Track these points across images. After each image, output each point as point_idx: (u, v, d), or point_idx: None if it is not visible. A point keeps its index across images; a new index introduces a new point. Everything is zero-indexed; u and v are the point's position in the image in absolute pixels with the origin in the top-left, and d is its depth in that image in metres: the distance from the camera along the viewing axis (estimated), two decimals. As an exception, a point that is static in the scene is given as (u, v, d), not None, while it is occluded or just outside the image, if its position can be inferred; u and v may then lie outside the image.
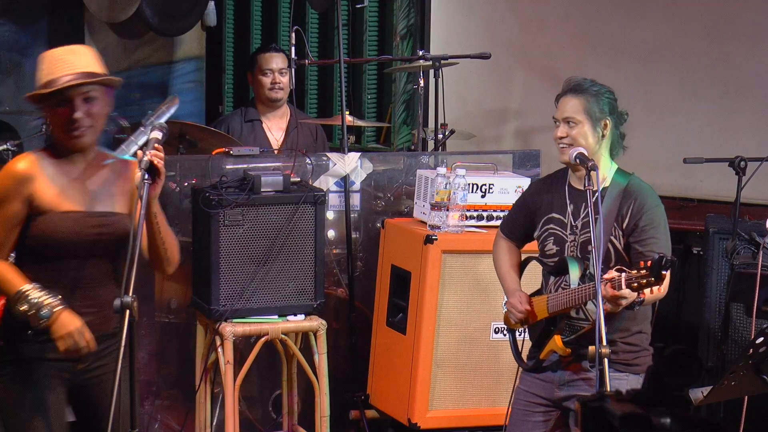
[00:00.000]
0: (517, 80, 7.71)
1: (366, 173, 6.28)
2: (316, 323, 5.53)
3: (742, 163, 5.78)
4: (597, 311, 4.14)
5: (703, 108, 6.93)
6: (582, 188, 4.44)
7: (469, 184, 5.70)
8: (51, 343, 4.01)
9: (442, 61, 6.87)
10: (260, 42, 8.87)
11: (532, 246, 4.79)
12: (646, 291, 4.11)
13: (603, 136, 4.48)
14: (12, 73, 8.32)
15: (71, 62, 4.02)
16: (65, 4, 8.26)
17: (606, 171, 4.51)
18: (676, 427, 2.53)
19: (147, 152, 3.95)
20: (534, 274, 4.82)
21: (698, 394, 4.61)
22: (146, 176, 3.90)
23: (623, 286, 4.11)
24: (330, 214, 6.14)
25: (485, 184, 5.75)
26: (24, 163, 4.07)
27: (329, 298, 5.91)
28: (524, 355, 4.81)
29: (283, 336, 5.50)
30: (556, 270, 4.53)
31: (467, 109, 7.70)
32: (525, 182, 5.83)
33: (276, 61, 6.95)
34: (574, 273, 4.39)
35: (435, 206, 5.67)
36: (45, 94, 4.00)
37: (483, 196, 5.74)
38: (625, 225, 4.41)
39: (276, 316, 5.51)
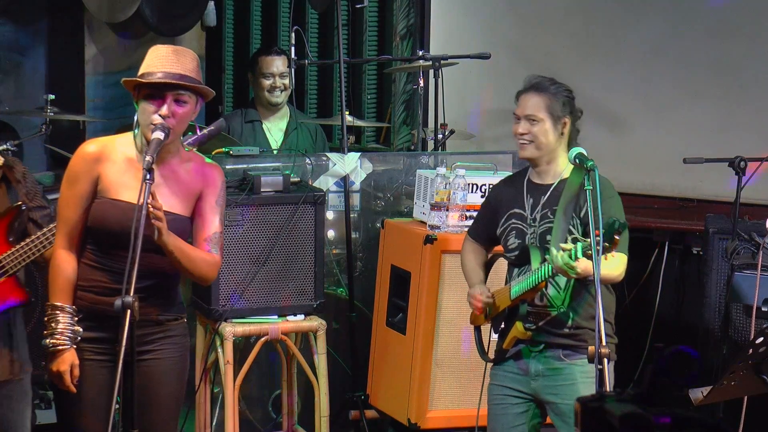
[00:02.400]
0: (517, 80, 7.70)
1: (366, 173, 6.28)
2: (316, 323, 5.53)
3: (742, 163, 5.78)
4: (597, 311, 4.15)
5: (703, 108, 6.93)
6: (540, 182, 4.60)
7: (468, 184, 5.70)
8: (85, 324, 4.17)
9: (442, 62, 6.87)
10: (260, 42, 8.86)
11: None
12: (603, 263, 4.16)
13: (562, 134, 4.57)
14: (12, 73, 8.32)
15: (174, 61, 4.12)
16: (65, 4, 8.26)
17: (564, 165, 4.59)
18: (676, 427, 2.54)
19: (148, 153, 3.98)
20: (501, 274, 4.87)
21: (698, 394, 4.61)
22: (147, 176, 3.92)
23: (579, 254, 4.19)
24: (330, 214, 6.14)
25: (485, 184, 5.75)
26: (95, 145, 4.21)
27: (329, 298, 5.91)
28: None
29: (282, 336, 5.50)
30: (518, 261, 4.60)
31: (467, 109, 7.70)
32: (525, 182, 5.84)
33: (277, 64, 6.95)
34: (536, 261, 4.46)
35: (435, 206, 5.67)
36: (139, 84, 4.11)
37: (483, 196, 5.74)
38: (582, 214, 4.47)
39: (276, 316, 5.51)
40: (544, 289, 4.50)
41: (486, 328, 4.87)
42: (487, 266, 4.86)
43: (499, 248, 4.81)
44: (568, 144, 4.60)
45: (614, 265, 4.34)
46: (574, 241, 4.27)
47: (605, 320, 4.55)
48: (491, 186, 4.95)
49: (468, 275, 4.84)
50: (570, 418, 4.53)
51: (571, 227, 4.49)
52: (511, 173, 6.05)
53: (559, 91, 4.59)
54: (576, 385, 4.51)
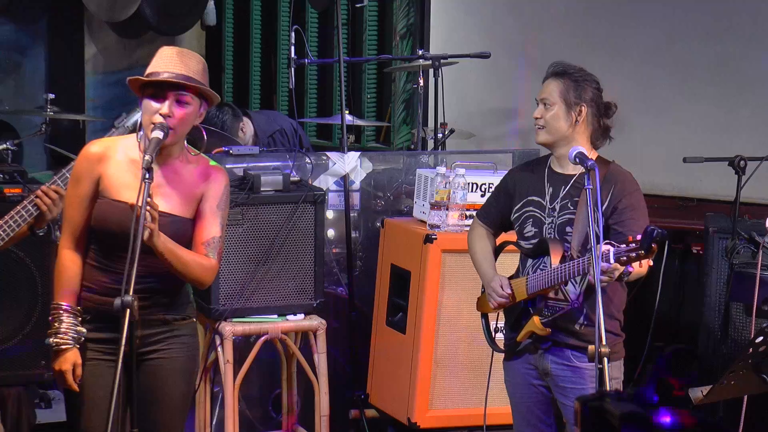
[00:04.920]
0: (517, 80, 7.71)
1: (366, 172, 6.28)
2: (316, 323, 5.53)
3: (742, 162, 5.77)
4: (597, 310, 4.13)
5: (702, 107, 6.93)
6: (561, 171, 4.52)
7: (468, 184, 5.70)
8: (93, 325, 4.18)
9: (442, 61, 6.87)
10: (260, 41, 8.87)
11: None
12: (635, 264, 4.12)
13: (576, 121, 4.48)
14: (12, 73, 8.33)
15: (177, 62, 4.12)
16: (65, 4, 8.26)
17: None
18: (676, 427, 2.54)
19: (147, 153, 3.98)
20: (506, 261, 4.84)
21: (698, 393, 4.61)
22: (147, 176, 3.92)
23: (611, 260, 4.13)
24: (330, 214, 6.15)
25: (485, 184, 5.75)
26: (98, 146, 4.22)
27: (329, 298, 5.91)
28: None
29: (282, 335, 5.50)
30: (534, 252, 4.52)
31: (467, 108, 7.70)
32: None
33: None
34: (555, 255, 4.39)
35: (434, 205, 5.67)
36: (144, 83, 4.12)
37: (483, 195, 5.74)
38: (604, 208, 4.42)
39: (276, 316, 5.51)
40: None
41: (491, 315, 4.83)
42: (495, 253, 4.77)
43: (506, 236, 4.75)
44: (592, 137, 4.52)
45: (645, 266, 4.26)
46: (608, 244, 4.16)
47: (616, 318, 4.54)
48: (511, 169, 4.83)
49: (480, 264, 4.74)
50: None
51: (592, 221, 4.42)
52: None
53: (582, 79, 4.51)
54: (585, 389, 4.42)
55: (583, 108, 4.49)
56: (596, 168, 4.30)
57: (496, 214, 4.73)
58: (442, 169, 5.75)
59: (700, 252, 6.13)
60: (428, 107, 7.26)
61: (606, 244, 4.19)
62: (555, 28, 7.48)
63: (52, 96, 6.77)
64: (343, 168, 6.17)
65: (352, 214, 6.19)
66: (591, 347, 4.17)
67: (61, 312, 4.15)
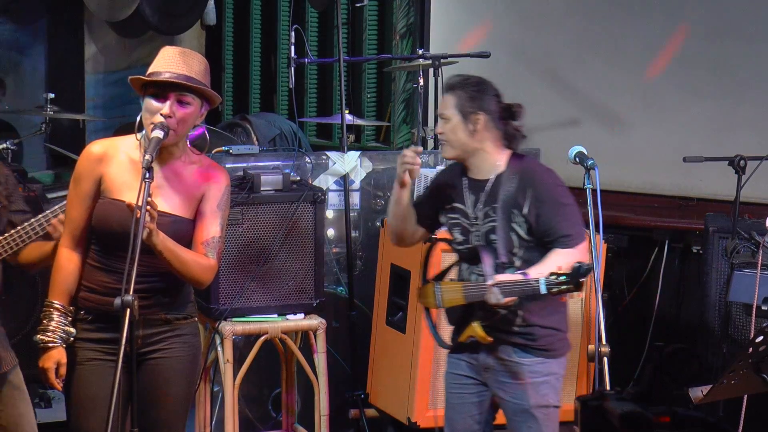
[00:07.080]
0: (517, 80, 7.71)
1: (366, 172, 6.29)
2: (316, 322, 5.54)
3: (742, 161, 5.78)
4: (597, 310, 4.14)
5: (702, 107, 6.92)
6: (477, 177, 4.52)
7: (468, 183, 5.69)
8: (95, 325, 4.18)
9: (442, 61, 6.87)
10: (260, 41, 8.86)
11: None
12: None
13: (475, 131, 4.48)
14: (12, 73, 8.32)
15: (180, 63, 4.13)
16: (65, 3, 8.26)
17: (497, 160, 4.50)
18: (675, 426, 2.54)
19: (147, 152, 3.98)
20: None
21: (698, 392, 4.61)
22: (147, 175, 3.92)
23: (543, 290, 4.15)
24: (330, 213, 6.15)
25: (485, 183, 5.75)
26: (99, 146, 4.23)
27: (329, 297, 5.91)
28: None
29: (282, 335, 5.50)
30: (468, 257, 4.54)
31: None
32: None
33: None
34: (488, 262, 4.39)
35: (435, 205, 5.66)
36: (145, 82, 4.12)
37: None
38: (525, 212, 4.41)
39: (275, 315, 5.51)
40: None
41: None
42: (428, 250, 4.77)
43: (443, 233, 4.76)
44: (505, 141, 4.51)
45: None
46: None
47: (554, 312, 4.51)
48: (440, 171, 4.89)
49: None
50: (516, 416, 4.50)
51: (514, 225, 4.43)
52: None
53: (475, 88, 4.53)
54: (524, 384, 4.46)
55: (480, 116, 4.49)
56: (596, 168, 4.29)
57: (426, 214, 4.72)
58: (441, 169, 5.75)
59: (700, 251, 6.14)
60: (428, 107, 7.25)
61: (534, 270, 4.22)
62: (555, 28, 7.47)
63: (51, 95, 6.77)
64: (343, 167, 6.17)
65: (352, 214, 6.19)
66: (591, 347, 4.18)
67: (52, 310, 4.17)
